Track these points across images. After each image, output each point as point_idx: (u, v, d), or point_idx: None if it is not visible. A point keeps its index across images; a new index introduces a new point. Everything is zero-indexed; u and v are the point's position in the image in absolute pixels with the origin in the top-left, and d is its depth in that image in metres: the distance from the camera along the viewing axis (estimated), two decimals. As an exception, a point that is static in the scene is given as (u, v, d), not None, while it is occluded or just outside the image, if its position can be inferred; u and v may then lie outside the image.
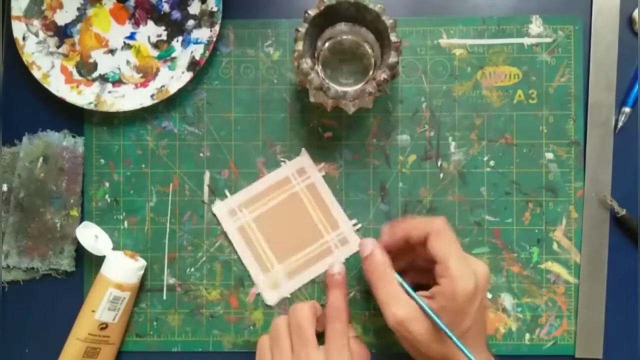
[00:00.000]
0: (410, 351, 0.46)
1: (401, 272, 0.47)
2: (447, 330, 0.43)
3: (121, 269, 0.51)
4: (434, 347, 0.44)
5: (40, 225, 0.53)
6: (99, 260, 0.52)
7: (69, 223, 0.53)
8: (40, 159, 0.53)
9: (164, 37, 0.54)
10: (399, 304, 0.44)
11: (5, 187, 0.53)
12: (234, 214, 0.54)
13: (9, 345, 0.54)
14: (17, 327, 0.54)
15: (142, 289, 0.54)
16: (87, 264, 0.54)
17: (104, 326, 0.51)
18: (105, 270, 0.51)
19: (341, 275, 0.50)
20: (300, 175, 0.54)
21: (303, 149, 0.54)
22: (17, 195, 0.53)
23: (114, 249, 0.53)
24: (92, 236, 0.53)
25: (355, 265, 0.53)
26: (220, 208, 0.54)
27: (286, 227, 0.54)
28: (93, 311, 0.50)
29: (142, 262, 0.52)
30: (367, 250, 0.47)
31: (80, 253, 0.54)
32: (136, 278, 0.52)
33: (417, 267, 0.49)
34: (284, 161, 0.54)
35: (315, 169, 0.54)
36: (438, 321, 0.43)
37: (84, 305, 0.51)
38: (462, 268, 0.43)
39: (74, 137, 0.54)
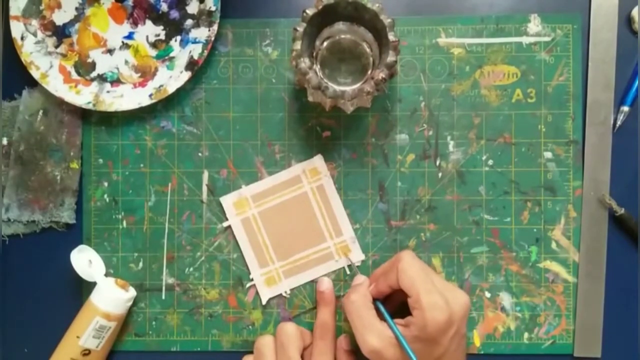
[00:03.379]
0: None
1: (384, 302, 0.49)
2: (413, 358, 0.44)
3: (110, 299, 0.51)
4: None
5: (41, 178, 0.53)
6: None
7: (69, 175, 0.53)
8: (40, 112, 0.53)
9: (162, 37, 0.54)
10: (374, 332, 0.45)
11: (5, 141, 0.53)
12: (241, 205, 0.54)
13: (8, 345, 0.54)
14: (17, 319, 0.54)
15: (141, 288, 0.54)
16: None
17: (86, 352, 0.51)
18: (95, 297, 0.51)
19: (329, 291, 0.51)
20: (312, 175, 0.54)
21: (319, 155, 0.54)
22: (17, 149, 0.53)
23: (109, 262, 0.53)
24: (85, 260, 0.52)
25: (354, 274, 0.53)
26: (227, 198, 0.54)
27: (291, 225, 0.54)
28: (78, 337, 0.50)
29: (132, 293, 0.52)
30: (358, 280, 0.50)
31: (80, 204, 0.54)
32: (124, 309, 0.52)
33: (398, 299, 0.50)
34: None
35: (328, 172, 0.53)
36: (408, 349, 0.44)
37: (69, 329, 0.51)
38: (432, 300, 0.44)
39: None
